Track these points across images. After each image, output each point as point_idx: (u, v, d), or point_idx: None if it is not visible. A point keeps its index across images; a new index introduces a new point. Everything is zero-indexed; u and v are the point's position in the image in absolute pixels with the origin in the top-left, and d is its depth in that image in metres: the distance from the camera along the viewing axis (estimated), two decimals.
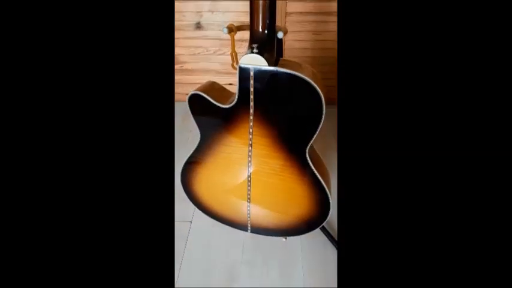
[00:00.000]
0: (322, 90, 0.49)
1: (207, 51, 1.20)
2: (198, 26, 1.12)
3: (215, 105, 0.54)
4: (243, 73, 0.49)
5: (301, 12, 1.05)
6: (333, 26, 1.08)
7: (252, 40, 0.48)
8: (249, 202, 0.65)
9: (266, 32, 0.48)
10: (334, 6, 1.03)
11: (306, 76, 0.47)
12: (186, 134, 1.15)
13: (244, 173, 0.61)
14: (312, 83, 0.47)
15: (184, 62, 1.24)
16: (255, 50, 0.47)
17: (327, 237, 0.75)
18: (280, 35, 0.46)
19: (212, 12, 1.08)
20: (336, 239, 0.74)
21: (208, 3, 1.06)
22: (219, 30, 1.13)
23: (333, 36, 1.10)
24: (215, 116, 0.55)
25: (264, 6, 0.46)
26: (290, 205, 0.63)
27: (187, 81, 1.30)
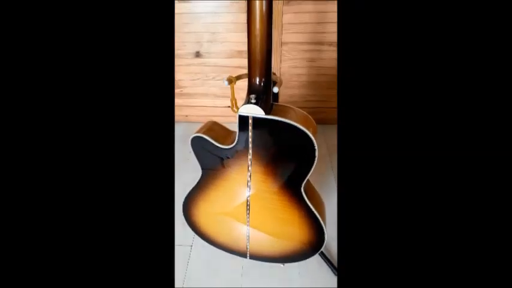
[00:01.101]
0: (314, 134, 0.53)
1: (206, 76, 1.25)
2: (198, 54, 1.18)
3: (216, 146, 0.58)
4: (242, 120, 0.54)
5: (296, 42, 1.11)
6: (326, 55, 1.14)
7: (250, 91, 0.53)
8: (248, 231, 0.69)
9: (263, 84, 0.52)
10: (326, 36, 1.09)
11: (299, 123, 0.52)
12: (186, 154, 1.18)
13: (243, 205, 0.65)
14: (305, 130, 0.51)
15: (184, 87, 1.29)
16: (252, 101, 0.52)
17: (325, 262, 0.78)
18: (275, 89, 0.51)
19: (211, 42, 1.13)
20: (332, 261, 0.78)
21: (207, 34, 1.11)
22: (218, 58, 1.18)
23: (327, 63, 1.16)
24: (216, 155, 0.60)
25: (261, 62, 0.51)
26: (286, 234, 0.67)
27: (187, 104, 1.35)
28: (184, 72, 1.24)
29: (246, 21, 1.18)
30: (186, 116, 1.38)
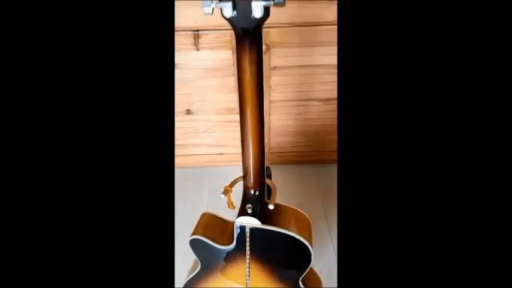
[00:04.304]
0: (309, 236, 0.57)
1: (197, 130, 1.27)
2: (189, 112, 1.20)
3: (214, 246, 0.61)
4: (240, 229, 0.57)
5: (283, 100, 1.15)
6: (313, 108, 1.18)
7: (245, 201, 0.56)
8: None
9: (257, 194, 0.55)
10: (312, 94, 1.14)
11: (294, 230, 0.55)
12: (180, 206, 1.20)
13: None
14: (301, 239, 0.54)
15: (176, 139, 1.31)
16: (249, 211, 0.55)
17: None
18: (271, 207, 0.54)
19: (202, 101, 1.16)
20: None
21: (197, 95, 1.14)
22: (208, 114, 1.21)
23: (313, 115, 1.21)
24: (215, 253, 0.62)
25: (255, 175, 0.54)
26: None
27: (180, 154, 1.37)
28: (175, 127, 1.26)
29: (233, 84, 1.21)
30: (178, 163, 1.40)
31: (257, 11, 0.36)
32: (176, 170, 1.44)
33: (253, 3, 0.36)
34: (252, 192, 0.56)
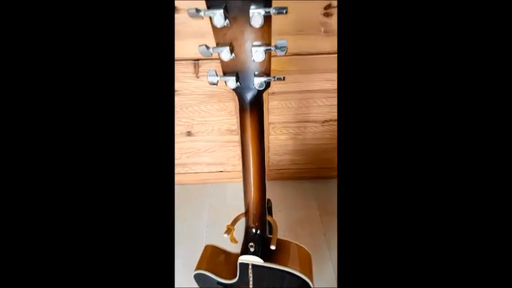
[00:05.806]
0: (310, 276, 0.60)
1: (198, 150, 1.30)
2: (189, 133, 1.23)
3: (218, 281, 0.64)
4: (243, 266, 0.60)
5: (281, 122, 1.18)
6: (310, 129, 1.22)
7: (247, 239, 0.59)
8: None
9: (259, 232, 0.59)
10: (309, 116, 1.17)
11: (296, 267, 0.58)
12: (180, 222, 1.24)
13: None
14: (302, 276, 0.57)
15: (177, 159, 1.34)
16: (251, 250, 0.58)
17: None
18: (273, 247, 0.57)
19: (202, 124, 1.19)
20: None
21: (197, 118, 1.17)
22: (209, 136, 1.24)
23: (311, 135, 1.24)
24: (219, 287, 0.65)
25: (256, 214, 0.57)
26: None
27: (179, 172, 1.39)
28: (176, 148, 1.29)
29: (232, 108, 1.24)
30: (178, 180, 1.43)
31: (259, 85, 0.40)
32: (176, 187, 1.47)
33: (256, 79, 0.39)
34: (254, 230, 0.59)
